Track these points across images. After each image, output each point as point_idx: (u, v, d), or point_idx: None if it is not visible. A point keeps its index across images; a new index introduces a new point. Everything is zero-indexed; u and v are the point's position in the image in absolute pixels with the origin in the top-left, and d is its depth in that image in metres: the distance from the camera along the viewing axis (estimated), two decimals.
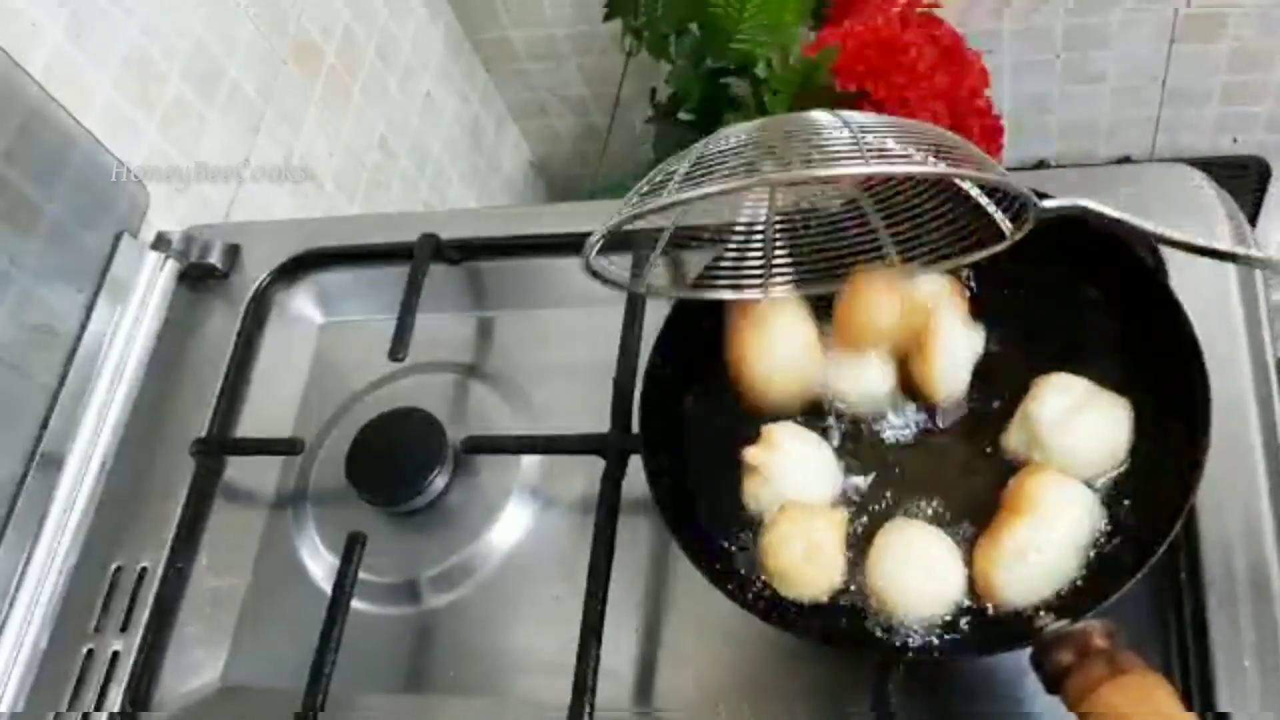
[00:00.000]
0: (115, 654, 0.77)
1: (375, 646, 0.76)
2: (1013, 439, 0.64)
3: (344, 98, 1.30)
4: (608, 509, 0.72)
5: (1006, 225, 0.61)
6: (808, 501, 0.64)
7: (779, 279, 0.68)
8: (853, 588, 0.62)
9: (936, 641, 0.60)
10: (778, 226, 0.67)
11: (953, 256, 0.65)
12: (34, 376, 0.82)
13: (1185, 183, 0.75)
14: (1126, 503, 0.61)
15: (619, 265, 0.80)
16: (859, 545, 0.63)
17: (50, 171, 0.82)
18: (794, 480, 0.64)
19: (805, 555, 0.61)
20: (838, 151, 0.52)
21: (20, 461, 0.80)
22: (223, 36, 1.07)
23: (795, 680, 0.67)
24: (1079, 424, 0.61)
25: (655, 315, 0.74)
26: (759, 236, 0.67)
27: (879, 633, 0.61)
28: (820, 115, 0.55)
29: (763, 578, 0.63)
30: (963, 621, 0.60)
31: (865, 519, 0.65)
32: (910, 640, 0.60)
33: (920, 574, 0.60)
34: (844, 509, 0.65)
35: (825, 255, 0.67)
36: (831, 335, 0.67)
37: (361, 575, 0.75)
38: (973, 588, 0.60)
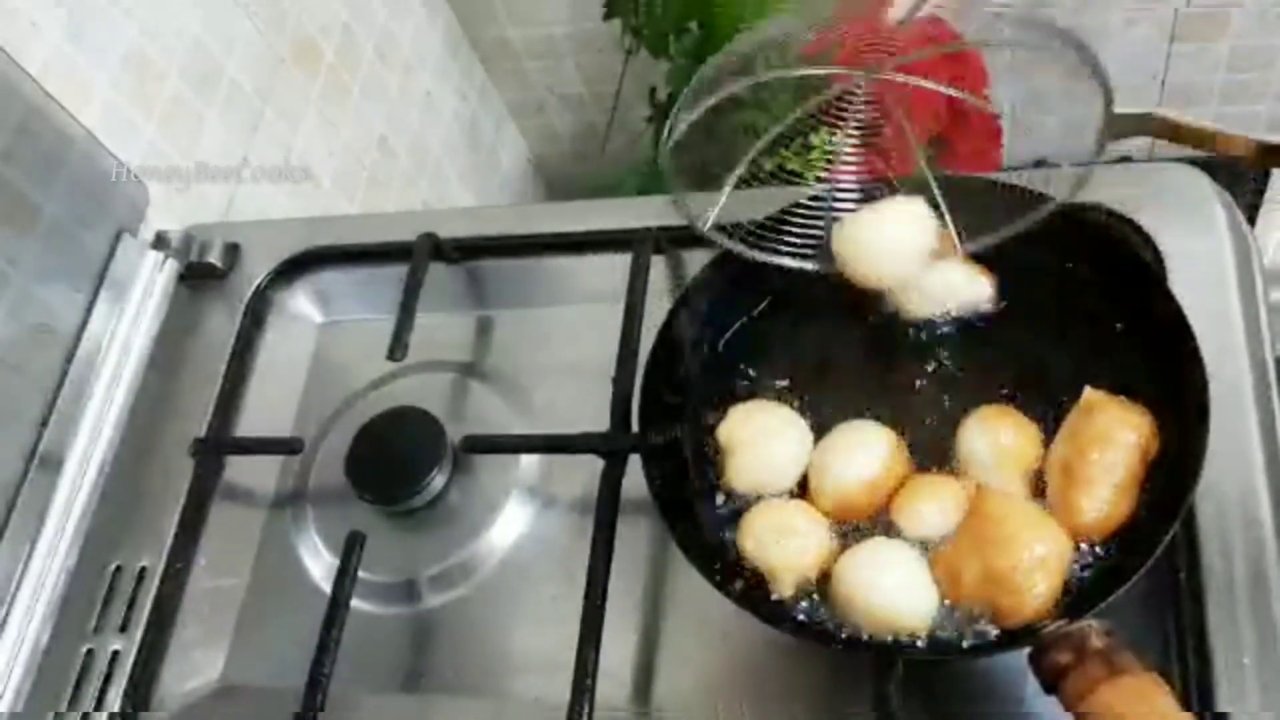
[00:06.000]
0: (115, 654, 0.77)
1: (375, 646, 0.76)
2: None
3: (343, 97, 1.30)
4: (607, 509, 0.71)
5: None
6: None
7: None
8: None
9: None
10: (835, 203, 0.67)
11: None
12: (33, 376, 0.82)
13: (1185, 182, 0.75)
14: None
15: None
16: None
17: (49, 171, 0.82)
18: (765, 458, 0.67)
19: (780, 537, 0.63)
20: None
21: (20, 461, 0.80)
22: (221, 36, 1.07)
23: (795, 680, 0.67)
24: None
25: (655, 314, 0.74)
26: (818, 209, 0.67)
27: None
28: None
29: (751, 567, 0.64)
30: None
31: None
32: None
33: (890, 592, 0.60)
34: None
35: None
36: None
37: (361, 575, 0.75)
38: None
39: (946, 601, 0.60)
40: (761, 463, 0.67)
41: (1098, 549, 0.60)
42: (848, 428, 0.67)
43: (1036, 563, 0.58)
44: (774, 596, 0.63)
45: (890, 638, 0.60)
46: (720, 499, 0.68)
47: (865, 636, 0.60)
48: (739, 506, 0.67)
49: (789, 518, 0.64)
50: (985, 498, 0.61)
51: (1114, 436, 0.61)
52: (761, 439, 0.68)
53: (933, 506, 0.63)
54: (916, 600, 0.60)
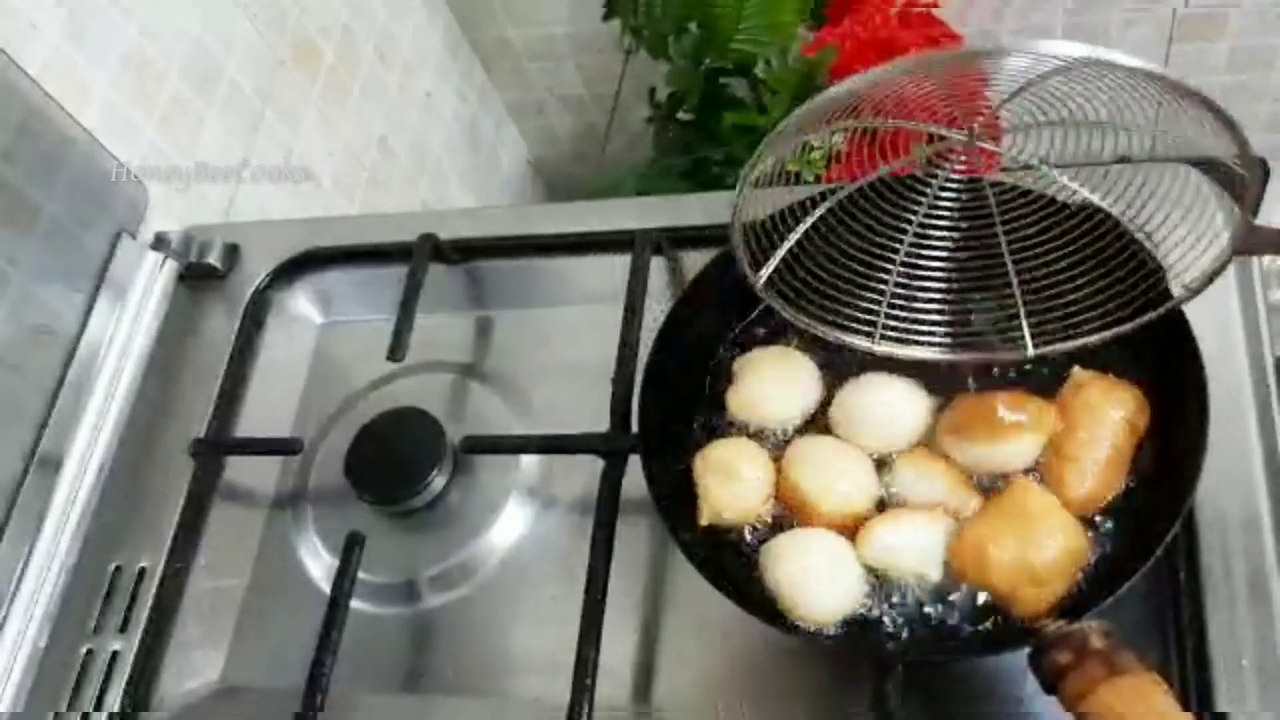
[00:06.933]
0: (115, 654, 0.77)
1: (375, 646, 0.76)
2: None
3: (343, 97, 1.30)
4: (607, 509, 0.72)
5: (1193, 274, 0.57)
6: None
7: (890, 335, 0.64)
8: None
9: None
10: (898, 280, 0.64)
11: (1087, 327, 0.61)
12: (33, 377, 0.82)
13: (1184, 183, 0.75)
14: (1125, 502, 0.62)
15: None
16: None
17: (49, 171, 0.82)
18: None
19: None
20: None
21: (19, 461, 0.80)
22: (221, 36, 1.07)
23: (795, 680, 0.67)
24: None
25: (655, 314, 0.74)
26: (880, 284, 0.64)
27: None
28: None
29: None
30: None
31: None
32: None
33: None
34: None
35: (945, 319, 0.64)
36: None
37: (361, 575, 0.75)
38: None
39: (963, 585, 0.61)
40: (763, 393, 0.69)
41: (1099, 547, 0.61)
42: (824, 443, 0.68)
43: (1065, 559, 0.59)
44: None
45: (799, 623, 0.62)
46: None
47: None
48: None
49: (738, 461, 0.66)
50: (1026, 491, 0.62)
51: (1100, 412, 0.62)
52: (769, 371, 0.70)
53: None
54: (827, 594, 0.62)
